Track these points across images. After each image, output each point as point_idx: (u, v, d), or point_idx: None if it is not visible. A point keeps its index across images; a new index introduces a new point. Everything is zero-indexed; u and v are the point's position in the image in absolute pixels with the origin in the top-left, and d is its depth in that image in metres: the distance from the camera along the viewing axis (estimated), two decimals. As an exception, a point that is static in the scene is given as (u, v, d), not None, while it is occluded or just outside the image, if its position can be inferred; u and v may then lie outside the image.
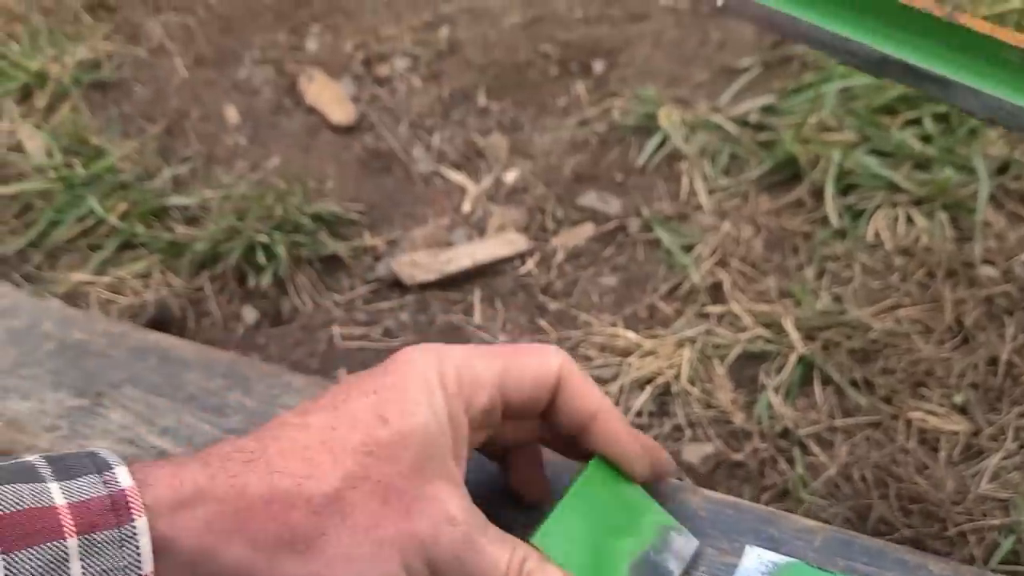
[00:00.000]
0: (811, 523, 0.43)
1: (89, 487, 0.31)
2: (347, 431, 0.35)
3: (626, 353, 0.75)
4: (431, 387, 0.37)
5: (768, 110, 0.91)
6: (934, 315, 0.73)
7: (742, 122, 0.91)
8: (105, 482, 0.31)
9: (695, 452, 0.68)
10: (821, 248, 0.80)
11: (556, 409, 0.40)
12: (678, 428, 0.70)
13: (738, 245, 0.82)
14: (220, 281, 0.82)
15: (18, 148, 0.95)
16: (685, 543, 0.40)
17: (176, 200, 0.88)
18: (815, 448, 0.66)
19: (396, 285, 0.83)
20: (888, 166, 0.83)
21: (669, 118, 0.92)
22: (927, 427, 0.66)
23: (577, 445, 0.41)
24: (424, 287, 0.82)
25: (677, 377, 0.72)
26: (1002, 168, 0.82)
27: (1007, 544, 0.59)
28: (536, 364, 0.39)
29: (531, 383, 0.39)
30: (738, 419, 0.69)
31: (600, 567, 0.39)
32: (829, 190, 0.82)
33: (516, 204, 0.90)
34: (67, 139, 0.94)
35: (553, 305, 0.81)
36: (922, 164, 0.83)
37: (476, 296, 0.82)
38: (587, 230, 0.87)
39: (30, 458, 0.32)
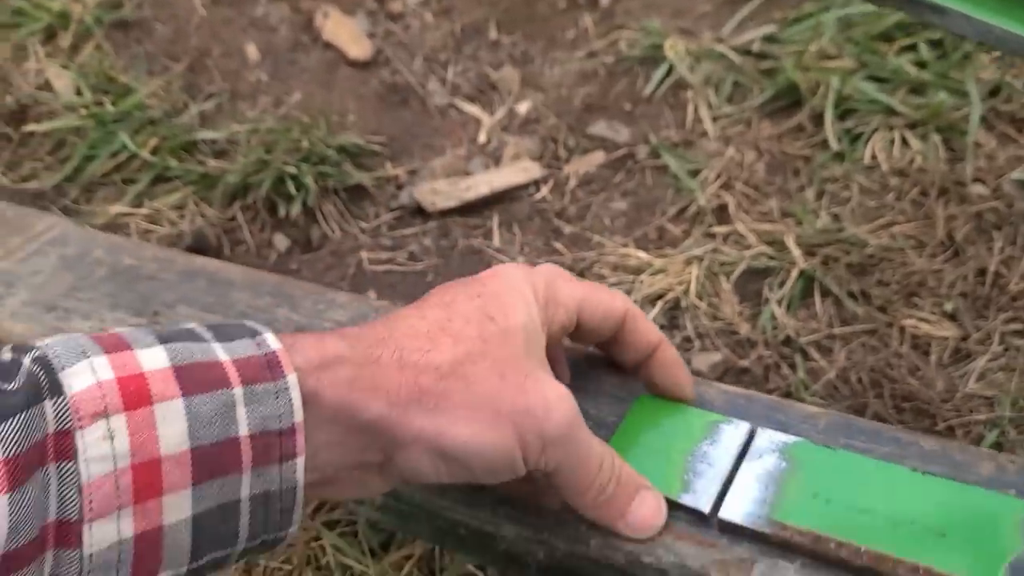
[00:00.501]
0: (815, 409, 0.48)
1: (246, 348, 0.36)
2: (462, 324, 0.40)
3: (638, 272, 0.80)
4: (526, 297, 0.42)
5: (770, 39, 0.95)
6: (927, 231, 0.78)
7: (745, 51, 0.94)
8: (258, 344, 0.36)
9: (704, 360, 0.73)
10: (820, 170, 0.84)
11: (622, 340, 0.47)
12: (688, 339, 0.75)
13: (742, 169, 0.86)
14: (252, 211, 0.87)
15: (47, 87, 0.98)
16: (735, 430, 0.45)
17: (205, 135, 0.91)
18: (815, 354, 0.72)
19: (419, 212, 0.87)
20: (885, 91, 0.87)
21: (674, 49, 0.95)
22: (919, 333, 0.71)
23: (637, 373, 0.48)
24: (445, 213, 0.87)
25: (686, 292, 0.77)
26: (993, 91, 0.86)
27: (991, 437, 0.65)
28: (608, 299, 0.46)
29: (603, 313, 0.45)
30: (743, 329, 0.74)
31: (662, 466, 0.44)
32: (828, 115, 0.86)
33: (529, 134, 0.94)
34: (94, 78, 0.97)
35: (568, 229, 0.85)
36: (917, 88, 0.87)
37: (495, 221, 0.86)
38: (598, 157, 0.91)
39: (188, 325, 0.37)
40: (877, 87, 0.87)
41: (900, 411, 0.67)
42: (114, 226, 0.86)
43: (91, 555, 0.33)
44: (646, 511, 0.42)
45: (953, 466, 0.43)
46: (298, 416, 0.36)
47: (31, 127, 0.95)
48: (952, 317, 0.72)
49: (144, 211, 0.87)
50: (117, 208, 0.87)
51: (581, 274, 0.81)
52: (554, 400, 0.39)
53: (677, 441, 0.45)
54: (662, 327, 0.77)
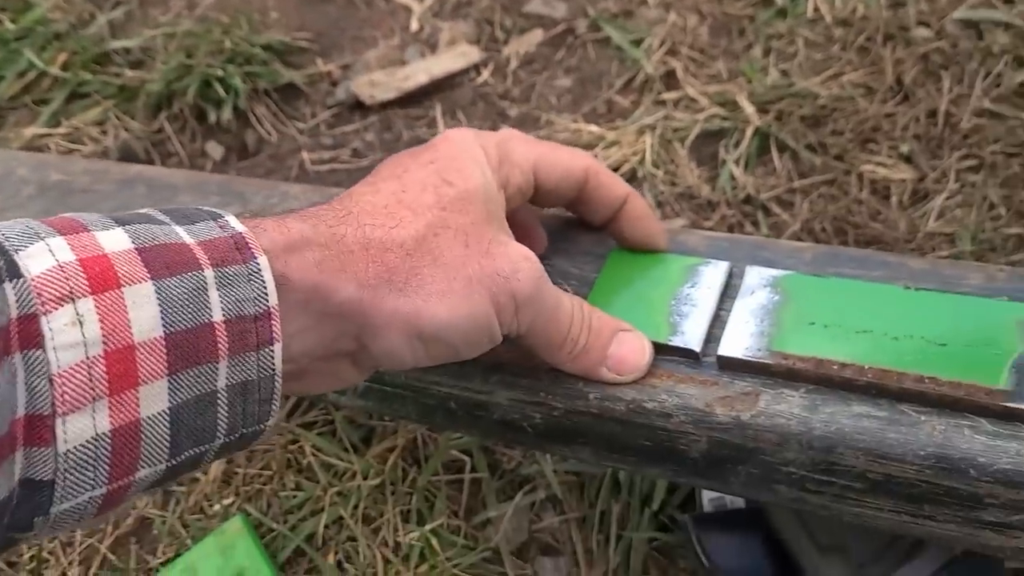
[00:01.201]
0: (800, 244, 0.47)
1: (210, 230, 0.33)
2: (418, 193, 0.38)
3: (590, 146, 0.78)
4: (478, 158, 0.40)
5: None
6: (876, 77, 0.77)
7: (676, -87, 0.91)
8: (221, 227, 0.33)
9: (676, 226, 0.72)
10: (765, 28, 0.83)
11: (589, 198, 0.45)
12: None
13: (685, 34, 0.84)
14: (179, 120, 0.82)
15: (-65, 9, 0.91)
16: (714, 269, 0.44)
17: (118, 44, 0.86)
18: (777, 209, 0.71)
19: (357, 107, 0.83)
20: (822, -59, 0.85)
21: (605, -85, 0.91)
22: (877, 178, 0.71)
23: (609, 230, 0.46)
24: (385, 106, 0.83)
25: (642, 162, 0.76)
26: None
27: (954, 271, 0.66)
28: (567, 156, 0.44)
29: (562, 172, 0.43)
30: (704, 192, 0.73)
31: (646, 314, 0.43)
32: (768, -29, 0.85)
33: (463, 18, 0.90)
34: (-13, -5, 0.90)
35: (514, 111, 0.83)
36: (854, -64, 0.86)
37: (437, 110, 0.83)
38: (537, 36, 0.88)
39: (143, 210, 0.34)
40: (814, -63, 0.85)
41: (866, 256, 0.67)
42: (32, 150, 0.81)
43: (66, 452, 0.30)
44: (626, 351, 0.41)
45: (943, 281, 0.43)
46: (272, 300, 0.33)
47: (-75, 53, 0.88)
48: (908, 159, 0.72)
49: (62, 130, 0.82)
50: (33, 130, 0.82)
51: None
52: (519, 260, 0.38)
53: (657, 288, 0.44)
54: (621, 199, 0.76)
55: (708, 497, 0.58)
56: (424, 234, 0.36)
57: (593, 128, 0.79)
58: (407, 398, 0.49)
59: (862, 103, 0.76)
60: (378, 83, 0.83)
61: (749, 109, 0.76)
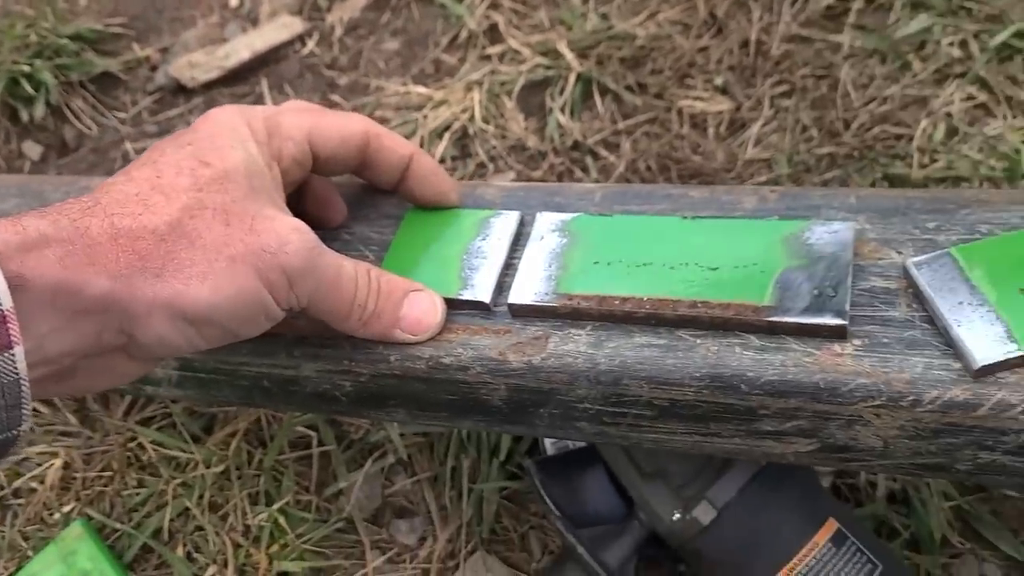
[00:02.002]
0: (590, 185, 0.48)
1: None
2: (173, 177, 0.37)
3: (420, 107, 0.77)
4: (241, 135, 0.39)
5: None
6: (689, 13, 0.79)
7: None
8: None
9: (502, 180, 0.72)
10: (583, -27, 0.83)
11: (373, 161, 0.44)
12: (481, 164, 0.74)
13: (506, -14, 0.84)
14: (-10, 122, 0.79)
15: None
16: (505, 220, 0.45)
17: (-86, 48, 0.81)
18: (604, 152, 0.72)
19: (180, 90, 0.81)
20: None
21: None
22: (696, 112, 0.73)
23: (400, 192, 0.46)
24: (208, 86, 0.81)
25: (471, 119, 0.76)
26: None
27: (773, 195, 0.68)
28: (343, 122, 0.43)
29: (338, 138, 0.43)
30: (532, 143, 0.74)
31: (439, 271, 0.44)
32: (581, -85, 0.85)
33: (283, -12, 0.88)
34: None
35: (342, 79, 0.82)
36: None
37: (264, 85, 0.82)
38: (360, 1, 0.87)
39: None
40: None
41: (689, 189, 0.69)
42: None
43: None
44: (418, 312, 0.41)
45: (720, 207, 0.44)
46: (6, 303, 0.32)
47: None
48: (724, 91, 0.74)
49: None
50: None
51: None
52: (287, 233, 0.37)
53: (450, 244, 0.45)
54: (454, 158, 0.76)
55: (550, 440, 0.59)
56: (179, 218, 0.35)
57: (421, 89, 0.78)
58: (221, 382, 0.48)
59: (678, 40, 0.77)
60: (198, 64, 0.81)
61: (570, 56, 0.77)
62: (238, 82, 0.82)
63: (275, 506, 0.57)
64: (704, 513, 0.46)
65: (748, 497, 0.46)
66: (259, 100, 0.81)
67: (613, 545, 0.50)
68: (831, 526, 0.46)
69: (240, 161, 0.38)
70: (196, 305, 0.35)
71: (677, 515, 0.47)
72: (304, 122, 0.42)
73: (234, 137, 0.39)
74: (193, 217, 0.36)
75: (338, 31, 0.84)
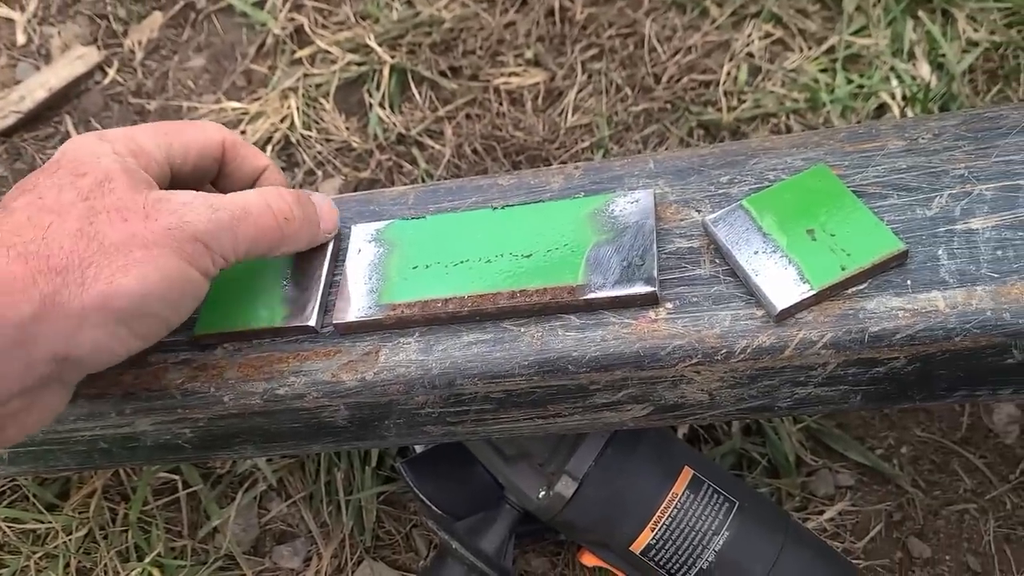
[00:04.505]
0: (402, 188, 0.48)
1: None
2: (56, 195, 0.36)
3: (237, 123, 0.75)
4: (106, 151, 0.39)
5: None
6: (492, -11, 0.79)
7: None
8: None
9: (328, 187, 0.71)
10: (381, -38, 0.82)
11: (227, 174, 0.44)
12: (310, 172, 0.73)
13: (306, -15, 0.82)
14: None
15: None
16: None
17: None
18: (428, 141, 0.72)
19: (-24, 143, 0.77)
20: None
21: None
22: (512, 88, 0.73)
23: None
24: (7, 133, 0.77)
25: (292, 127, 0.74)
26: None
27: (598, 156, 0.70)
28: (202, 137, 0.43)
29: (197, 154, 0.42)
30: (357, 142, 0.73)
31: (261, 302, 0.43)
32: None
33: (73, 18, 0.84)
34: None
35: (151, 104, 0.79)
36: None
37: (68, 124, 0.78)
38: (157, 19, 0.83)
39: None
40: None
41: (517, 165, 0.70)
42: None
43: None
44: (325, 206, 0.44)
45: (530, 191, 0.45)
46: None
47: None
48: (536, 63, 0.75)
49: None
50: None
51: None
52: (180, 205, 0.37)
53: (268, 273, 0.44)
54: (282, 169, 0.74)
55: (417, 439, 0.59)
56: (79, 227, 0.35)
57: (235, 104, 0.76)
58: (56, 451, 0.46)
59: (485, 18, 0.77)
60: (-9, 112, 0.76)
61: (380, 49, 0.76)
62: (40, 123, 0.78)
63: (147, 560, 0.55)
64: (566, 487, 0.47)
65: (605, 464, 0.47)
66: (66, 139, 0.77)
67: (488, 532, 0.50)
68: (687, 474, 0.48)
69: (113, 163, 0.38)
70: (129, 298, 0.35)
71: (542, 492, 0.48)
72: (162, 140, 0.41)
73: (101, 150, 0.39)
74: (92, 223, 0.36)
75: (139, 55, 0.81)
